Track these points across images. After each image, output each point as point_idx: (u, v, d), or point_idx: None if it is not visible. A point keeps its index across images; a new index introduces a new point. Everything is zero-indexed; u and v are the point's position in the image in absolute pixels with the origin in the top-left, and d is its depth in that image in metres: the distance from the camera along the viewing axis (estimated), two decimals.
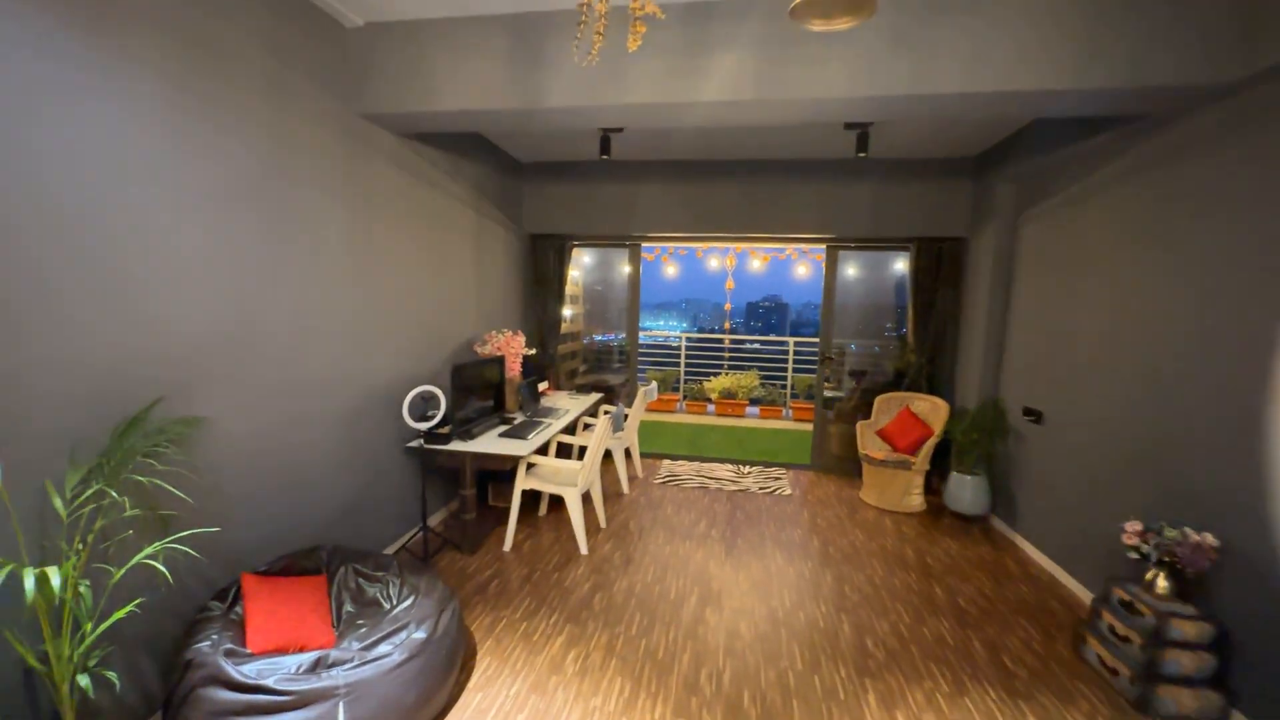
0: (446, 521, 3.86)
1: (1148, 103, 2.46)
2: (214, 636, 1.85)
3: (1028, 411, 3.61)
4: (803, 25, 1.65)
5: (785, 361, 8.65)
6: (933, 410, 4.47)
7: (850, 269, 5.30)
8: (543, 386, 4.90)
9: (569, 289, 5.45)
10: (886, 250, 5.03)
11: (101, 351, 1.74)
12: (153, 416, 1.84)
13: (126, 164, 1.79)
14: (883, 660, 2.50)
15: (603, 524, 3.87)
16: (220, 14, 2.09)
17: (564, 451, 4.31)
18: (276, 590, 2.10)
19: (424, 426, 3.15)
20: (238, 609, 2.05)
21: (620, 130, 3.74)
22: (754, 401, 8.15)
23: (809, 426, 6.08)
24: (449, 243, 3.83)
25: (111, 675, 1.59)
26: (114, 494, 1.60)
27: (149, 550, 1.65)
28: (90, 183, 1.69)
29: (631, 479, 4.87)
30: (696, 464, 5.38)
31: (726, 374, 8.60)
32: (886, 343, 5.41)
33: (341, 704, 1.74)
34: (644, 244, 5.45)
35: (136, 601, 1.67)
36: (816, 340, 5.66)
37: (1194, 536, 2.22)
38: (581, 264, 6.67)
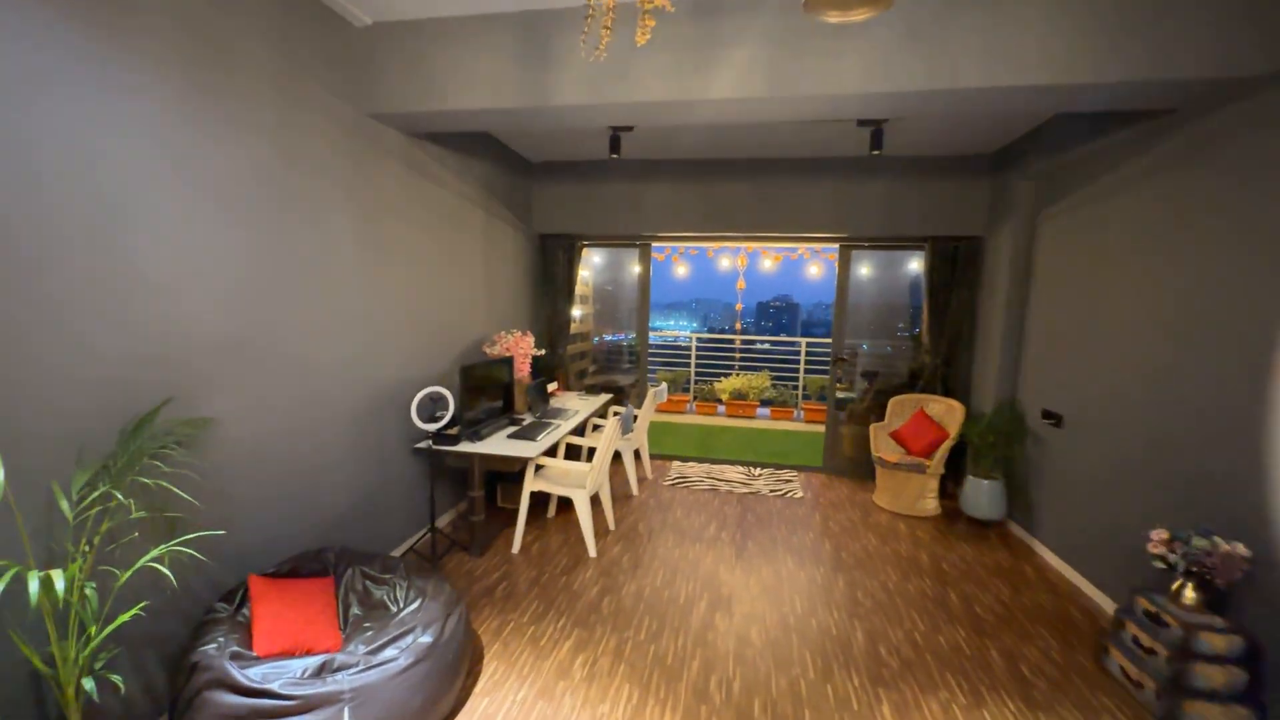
0: (455, 523, 3.85)
1: (1168, 98, 2.39)
2: (220, 639, 1.84)
3: (1047, 414, 3.52)
4: (818, 18, 1.61)
5: (797, 362, 8.57)
6: (948, 412, 4.39)
7: (863, 268, 5.22)
8: (552, 387, 4.88)
9: (579, 289, 5.43)
10: (900, 250, 4.95)
11: (108, 351, 1.74)
12: (160, 418, 1.83)
13: (131, 162, 1.78)
14: (897, 669, 2.44)
15: (611, 526, 3.84)
16: (227, 12, 2.08)
17: (573, 453, 4.29)
18: (284, 592, 2.09)
19: (432, 427, 3.13)
20: (245, 611, 2.05)
21: (630, 129, 3.71)
22: (765, 403, 8.07)
23: (821, 428, 6.01)
24: (458, 243, 3.82)
25: (116, 678, 1.58)
26: (120, 496, 1.59)
27: (155, 553, 1.64)
28: (94, 182, 1.68)
29: (641, 481, 4.83)
30: (707, 466, 5.34)
31: (737, 375, 8.52)
32: (900, 343, 5.33)
33: (347, 709, 1.73)
34: (654, 244, 5.41)
35: (141, 605, 1.66)
36: (828, 341, 5.59)
37: (1224, 546, 2.14)
38: (591, 264, 6.64)
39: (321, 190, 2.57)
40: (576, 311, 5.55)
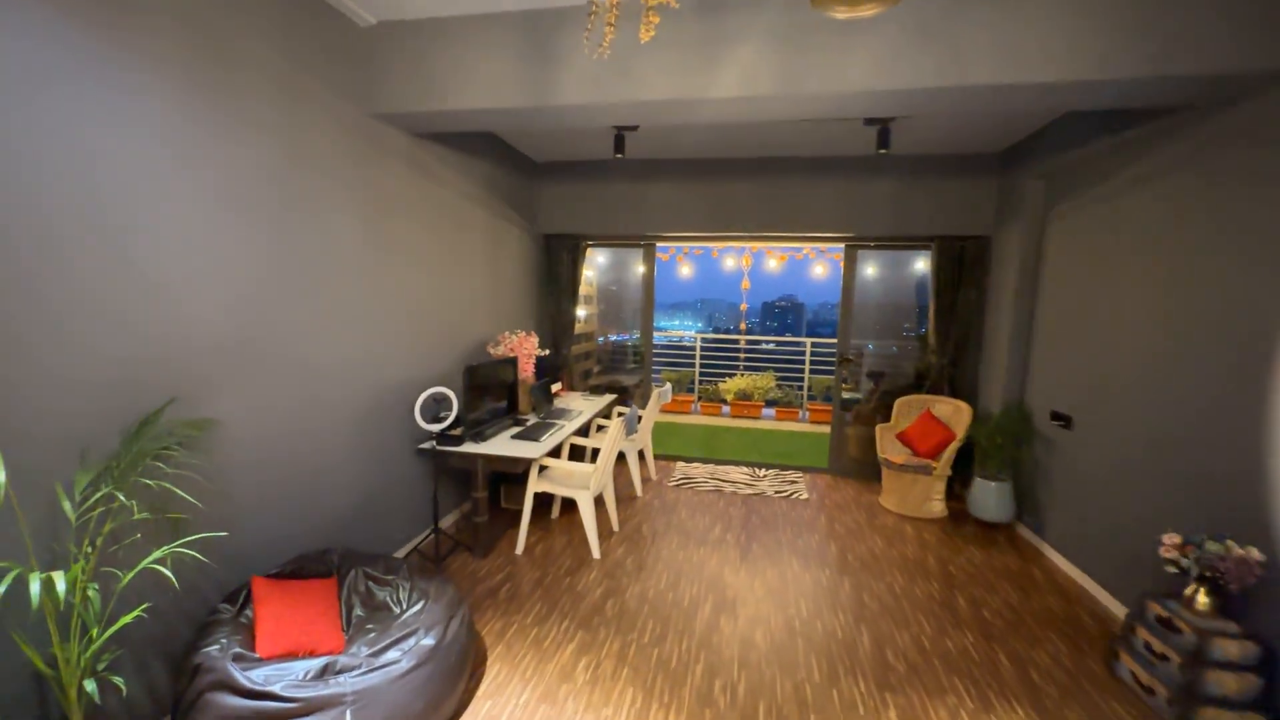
0: (458, 524, 3.84)
1: (1179, 95, 2.34)
2: (223, 640, 1.83)
3: (1056, 416, 3.48)
4: (825, 13, 1.58)
5: (802, 362, 8.53)
6: (955, 413, 4.35)
7: (869, 268, 5.19)
8: (556, 387, 4.87)
9: (583, 289, 5.42)
10: (907, 249, 4.91)
11: (110, 352, 1.73)
12: (162, 419, 1.83)
13: (133, 161, 1.78)
14: (904, 674, 2.41)
15: (615, 527, 3.82)
16: (230, 10, 2.07)
17: (577, 453, 4.28)
18: (287, 593, 2.09)
19: (436, 428, 3.12)
20: (248, 612, 2.04)
21: (635, 128, 3.69)
22: (770, 403, 8.04)
23: (826, 429, 5.98)
24: (462, 243, 3.81)
25: (118, 680, 1.57)
26: (122, 497, 1.59)
27: (157, 554, 1.63)
28: (95, 181, 1.68)
29: (645, 481, 4.81)
30: (711, 466, 5.31)
31: (742, 375, 8.50)
32: (906, 344, 5.29)
33: (349, 711, 1.72)
34: (659, 244, 5.39)
35: (144, 606, 1.65)
36: (834, 341, 5.55)
37: (1238, 551, 2.10)
38: (596, 264, 6.64)
39: (324, 190, 2.56)
40: (581, 312, 5.54)
